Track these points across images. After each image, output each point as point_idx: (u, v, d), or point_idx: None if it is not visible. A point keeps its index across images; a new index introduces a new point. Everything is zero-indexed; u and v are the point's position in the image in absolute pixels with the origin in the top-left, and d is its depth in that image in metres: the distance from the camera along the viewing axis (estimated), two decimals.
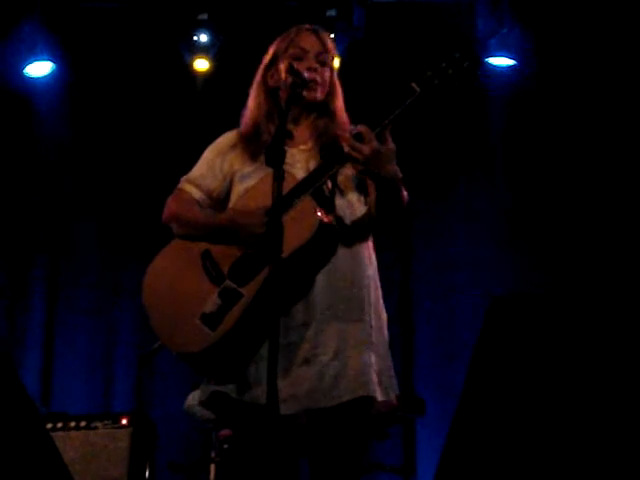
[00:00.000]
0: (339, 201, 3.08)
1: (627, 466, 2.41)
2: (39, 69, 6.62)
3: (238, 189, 3.17)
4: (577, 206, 6.26)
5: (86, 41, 6.65)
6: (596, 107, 6.34)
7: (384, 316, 3.17)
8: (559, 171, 6.35)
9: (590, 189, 6.26)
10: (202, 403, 3.12)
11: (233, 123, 3.32)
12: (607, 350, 2.46)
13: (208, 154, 3.31)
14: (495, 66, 6.35)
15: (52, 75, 6.66)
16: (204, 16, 6.50)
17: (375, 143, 2.89)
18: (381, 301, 3.17)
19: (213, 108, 6.25)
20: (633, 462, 2.40)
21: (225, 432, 4.76)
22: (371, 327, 3.07)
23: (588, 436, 2.44)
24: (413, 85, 2.98)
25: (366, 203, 3.14)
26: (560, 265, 6.19)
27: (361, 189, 3.14)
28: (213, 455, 4.94)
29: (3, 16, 6.39)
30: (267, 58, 3.29)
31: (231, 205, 3.18)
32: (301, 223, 2.92)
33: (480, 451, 2.48)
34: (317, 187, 2.98)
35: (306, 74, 3.08)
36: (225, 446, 4.85)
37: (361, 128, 2.92)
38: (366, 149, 2.88)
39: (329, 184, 3.04)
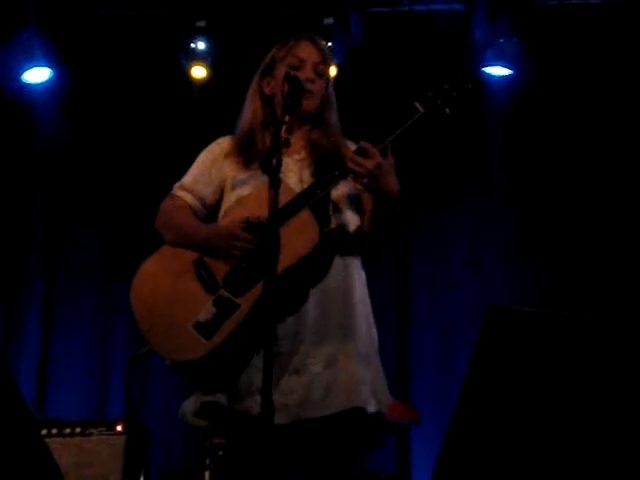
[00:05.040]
0: (333, 216, 3.09)
1: None
2: (37, 76, 6.62)
3: (230, 196, 3.18)
4: (578, 216, 6.27)
5: (84, 48, 6.66)
6: (594, 116, 6.35)
7: (374, 327, 3.17)
8: (557, 180, 6.36)
9: (590, 198, 6.27)
10: (194, 412, 3.10)
11: (230, 130, 3.32)
12: (603, 359, 2.47)
13: (201, 160, 3.31)
14: (492, 76, 6.36)
15: (50, 81, 6.67)
16: (202, 23, 6.51)
17: (378, 158, 2.91)
18: (371, 313, 3.18)
19: (210, 115, 6.26)
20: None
21: (220, 439, 4.76)
22: (361, 339, 3.07)
23: (583, 443, 2.45)
24: (416, 104, 3.00)
25: (358, 219, 3.16)
26: (563, 279, 6.20)
27: (354, 205, 3.16)
28: (207, 462, 4.93)
29: (1, 23, 6.40)
30: (263, 65, 3.30)
31: (223, 212, 3.18)
32: (301, 236, 2.93)
33: (475, 460, 2.48)
34: (316, 201, 2.99)
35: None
36: (219, 453, 4.85)
37: (364, 144, 2.93)
38: (369, 164, 2.90)
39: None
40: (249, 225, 2.99)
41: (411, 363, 6.28)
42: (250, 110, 3.27)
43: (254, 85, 3.30)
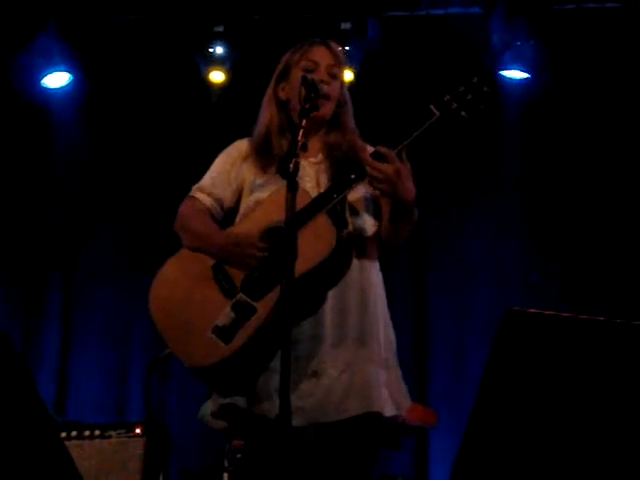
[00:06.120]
0: (351, 219, 3.09)
1: None
2: (56, 80, 6.65)
3: (248, 200, 3.18)
4: (596, 217, 6.27)
5: (103, 52, 6.68)
6: (611, 119, 6.34)
7: (392, 331, 3.18)
8: (575, 183, 6.36)
9: (608, 199, 6.27)
10: (213, 414, 3.12)
11: (248, 135, 3.33)
12: (621, 362, 2.47)
13: (219, 162, 3.31)
14: (509, 79, 6.35)
15: (69, 86, 6.70)
16: (220, 28, 6.52)
17: (397, 163, 2.91)
18: (389, 316, 3.18)
19: (228, 120, 6.27)
20: None
21: (238, 441, 4.77)
22: (380, 342, 3.08)
23: (600, 447, 2.45)
24: (432, 107, 2.99)
25: (376, 222, 3.15)
26: (581, 280, 6.20)
27: (371, 207, 3.16)
28: (226, 464, 4.94)
29: (20, 29, 6.44)
30: (278, 71, 3.30)
31: (241, 215, 3.19)
32: (318, 240, 2.92)
33: (492, 462, 2.48)
34: (334, 205, 2.99)
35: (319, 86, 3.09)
36: (238, 455, 4.86)
37: (382, 148, 2.93)
38: (388, 169, 2.90)
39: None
40: (267, 232, 3.01)
41: (429, 365, 6.28)
42: (266, 116, 3.27)
43: (269, 91, 3.30)
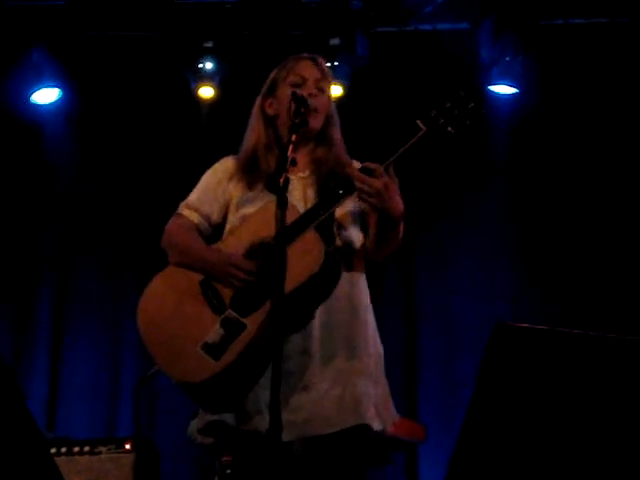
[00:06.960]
0: (338, 233, 3.10)
1: None
2: (46, 96, 6.64)
3: (234, 216, 3.19)
4: (582, 232, 6.29)
5: (93, 68, 6.68)
6: (598, 135, 6.37)
7: (380, 345, 3.18)
8: (562, 198, 6.38)
9: (595, 214, 6.29)
10: (200, 431, 3.11)
11: (238, 150, 3.34)
12: (611, 377, 2.47)
13: (206, 179, 3.33)
14: (497, 94, 6.37)
15: (59, 102, 6.69)
16: (209, 44, 6.53)
17: (385, 177, 2.92)
18: (377, 330, 3.18)
19: (217, 135, 6.28)
20: None
21: (228, 457, 4.75)
22: (369, 356, 3.09)
23: (591, 462, 2.45)
24: (419, 123, 3.01)
25: (364, 236, 3.16)
26: (569, 294, 6.22)
27: (358, 222, 3.17)
28: None
29: (10, 44, 6.44)
30: (265, 87, 3.32)
31: (227, 232, 3.20)
32: (307, 256, 2.93)
33: (483, 477, 2.49)
34: (322, 220, 3.00)
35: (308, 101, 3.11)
36: (228, 471, 4.85)
37: (370, 164, 2.94)
38: (377, 183, 2.91)
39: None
40: (255, 248, 3.01)
41: (418, 380, 6.28)
42: (253, 132, 3.29)
43: (256, 107, 3.32)
